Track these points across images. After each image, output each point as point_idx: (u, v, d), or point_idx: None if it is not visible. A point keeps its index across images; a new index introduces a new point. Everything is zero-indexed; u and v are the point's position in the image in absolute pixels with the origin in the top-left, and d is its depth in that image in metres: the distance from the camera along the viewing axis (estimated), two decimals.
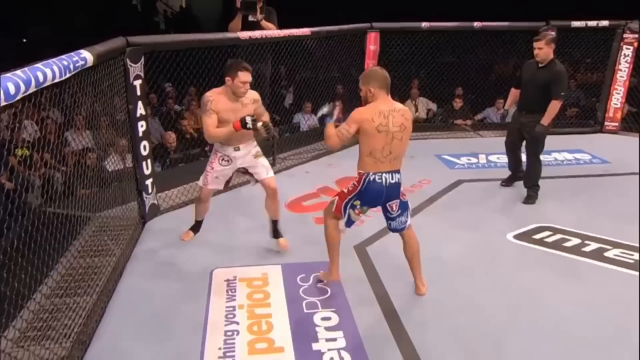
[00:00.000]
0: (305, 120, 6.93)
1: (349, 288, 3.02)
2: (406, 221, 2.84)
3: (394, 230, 2.86)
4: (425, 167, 5.10)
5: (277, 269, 3.23)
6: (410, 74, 6.99)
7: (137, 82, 3.50)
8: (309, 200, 4.37)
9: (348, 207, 2.78)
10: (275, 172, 4.94)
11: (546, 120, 4.04)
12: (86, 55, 2.64)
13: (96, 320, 2.70)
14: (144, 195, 3.78)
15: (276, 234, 3.44)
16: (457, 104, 7.23)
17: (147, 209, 3.83)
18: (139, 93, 3.54)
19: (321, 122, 2.86)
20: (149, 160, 3.73)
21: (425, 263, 3.01)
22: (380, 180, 2.70)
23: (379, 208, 2.86)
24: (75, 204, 3.30)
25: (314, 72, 5.87)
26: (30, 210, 2.53)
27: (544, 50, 4.04)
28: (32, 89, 1.99)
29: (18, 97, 1.88)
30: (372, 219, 3.85)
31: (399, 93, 6.75)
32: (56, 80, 2.22)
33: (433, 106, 7.42)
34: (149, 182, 3.80)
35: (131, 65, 3.44)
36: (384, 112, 2.66)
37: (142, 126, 3.63)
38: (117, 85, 3.40)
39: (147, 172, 3.75)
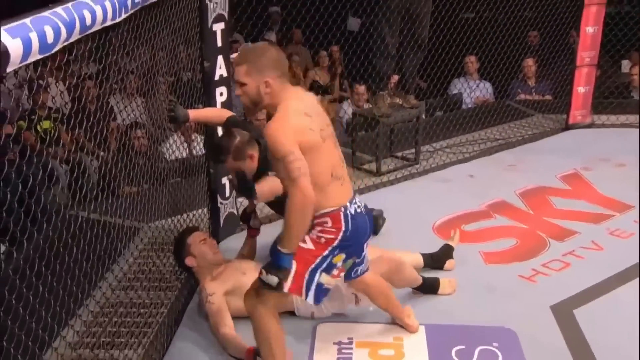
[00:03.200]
0: (471, 89, 6.75)
1: None
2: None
3: (360, 275, 2.92)
4: None
5: (418, 331, 3.20)
6: None
7: (219, 27, 3.60)
8: (474, 223, 4.31)
9: (318, 273, 2.63)
10: (418, 174, 5.14)
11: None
12: None
13: None
14: (219, 200, 3.88)
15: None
16: None
17: (222, 221, 3.95)
18: (220, 43, 3.62)
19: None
20: None
21: None
22: (360, 210, 2.71)
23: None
24: (118, 207, 3.50)
25: (488, 9, 5.71)
26: (51, 214, 2.70)
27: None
28: (76, 36, 2.07)
29: (57, 48, 1.95)
30: (582, 264, 3.71)
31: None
32: (107, 23, 2.31)
33: None
34: (226, 179, 3.89)
35: (210, 0, 3.55)
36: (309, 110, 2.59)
37: (221, 94, 3.71)
38: (187, 31, 3.55)
39: None
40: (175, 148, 4.27)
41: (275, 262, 2.49)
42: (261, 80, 2.46)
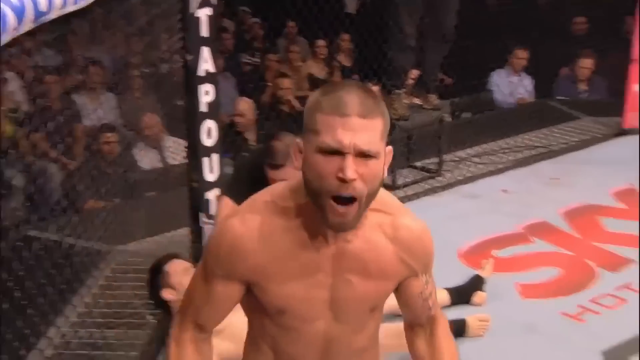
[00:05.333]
0: (508, 87, 6.63)
1: None
2: None
3: None
4: None
5: None
6: None
7: (204, 12, 3.52)
8: (508, 248, 4.28)
9: None
10: (441, 188, 5.15)
11: None
12: None
13: None
14: (203, 218, 3.80)
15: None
16: None
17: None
18: (205, 33, 3.55)
19: None
20: (214, 157, 3.76)
21: None
22: None
23: None
24: (82, 226, 3.43)
25: None
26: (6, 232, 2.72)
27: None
28: (28, 24, 1.89)
29: (5, 39, 1.81)
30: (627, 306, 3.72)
31: None
32: (69, 8, 2.16)
33: None
34: (212, 195, 3.80)
35: None
36: None
37: (207, 93, 3.64)
38: (168, 18, 3.55)
39: (211, 176, 3.77)
40: (142, 155, 4.22)
41: None
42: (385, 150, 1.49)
